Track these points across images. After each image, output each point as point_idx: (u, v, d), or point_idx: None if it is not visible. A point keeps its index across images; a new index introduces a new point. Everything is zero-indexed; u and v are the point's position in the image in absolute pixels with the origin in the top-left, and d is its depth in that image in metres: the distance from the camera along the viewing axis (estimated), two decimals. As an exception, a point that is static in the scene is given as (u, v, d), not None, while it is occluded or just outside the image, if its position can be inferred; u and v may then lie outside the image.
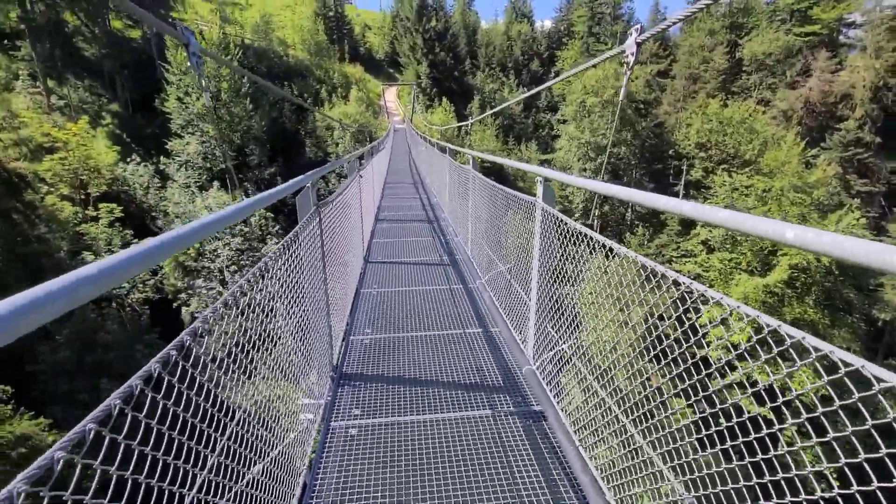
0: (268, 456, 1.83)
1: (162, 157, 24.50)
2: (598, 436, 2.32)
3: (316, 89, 34.35)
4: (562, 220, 2.79)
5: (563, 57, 45.58)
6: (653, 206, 1.79)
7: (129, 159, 22.98)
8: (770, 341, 1.35)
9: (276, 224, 22.89)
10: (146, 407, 0.95)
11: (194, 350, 1.15)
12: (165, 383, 1.02)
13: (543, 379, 3.01)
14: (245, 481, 1.63)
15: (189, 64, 2.48)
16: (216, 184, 24.16)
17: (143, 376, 0.90)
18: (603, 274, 2.34)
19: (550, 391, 2.89)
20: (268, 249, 21.97)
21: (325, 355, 3.00)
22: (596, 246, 2.41)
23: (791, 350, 1.26)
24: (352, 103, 32.84)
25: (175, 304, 19.87)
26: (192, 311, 20.01)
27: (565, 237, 2.76)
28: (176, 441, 1.11)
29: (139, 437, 0.98)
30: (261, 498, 1.67)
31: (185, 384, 1.10)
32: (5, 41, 24.59)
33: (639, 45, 2.49)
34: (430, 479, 2.30)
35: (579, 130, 32.43)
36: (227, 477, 1.48)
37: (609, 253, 2.35)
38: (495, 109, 10.24)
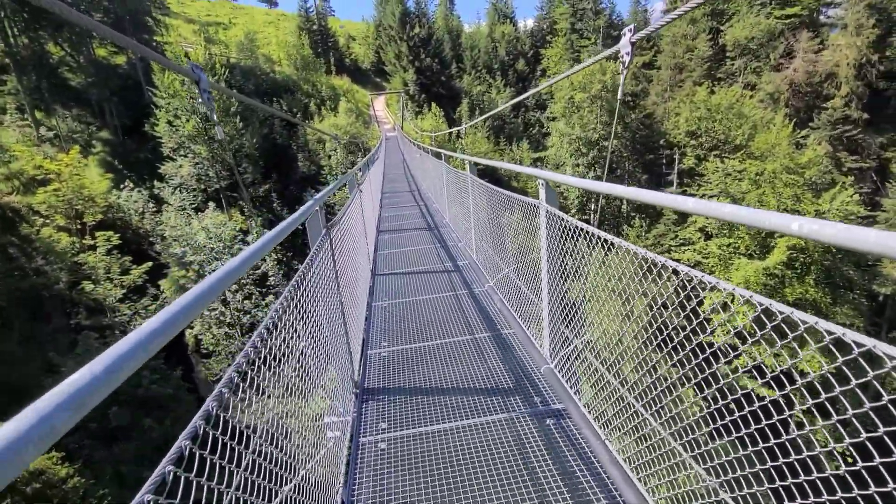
0: (298, 474, 1.85)
1: (155, 182, 24.51)
2: (623, 428, 2.35)
3: (305, 103, 34.45)
4: (566, 220, 2.84)
5: (547, 55, 45.81)
6: (657, 203, 1.83)
7: (122, 186, 22.98)
8: (784, 327, 1.39)
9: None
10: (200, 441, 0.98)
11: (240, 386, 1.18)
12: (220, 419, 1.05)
13: (563, 377, 3.04)
14: (278, 501, 1.65)
15: (200, 100, 2.51)
16: (211, 204, 24.18)
17: (204, 416, 0.93)
18: (606, 268, 2.38)
19: (571, 388, 2.92)
20: (267, 267, 21.97)
21: (347, 372, 3.02)
22: (598, 242, 2.45)
23: (806, 335, 1.30)
24: (341, 115, 32.93)
25: (178, 328, 19.81)
26: (196, 334, 19.98)
27: (570, 236, 2.80)
28: (217, 469, 1.14)
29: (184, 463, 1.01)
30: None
31: (228, 434, 1.13)
32: (-9, 76, 24.60)
33: (633, 44, 2.54)
34: (461, 486, 2.32)
35: (569, 126, 32.58)
36: (261, 496, 1.50)
37: (611, 248, 2.40)
38: (487, 115, 10.30)
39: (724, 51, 37.33)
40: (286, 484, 1.75)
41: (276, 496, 1.64)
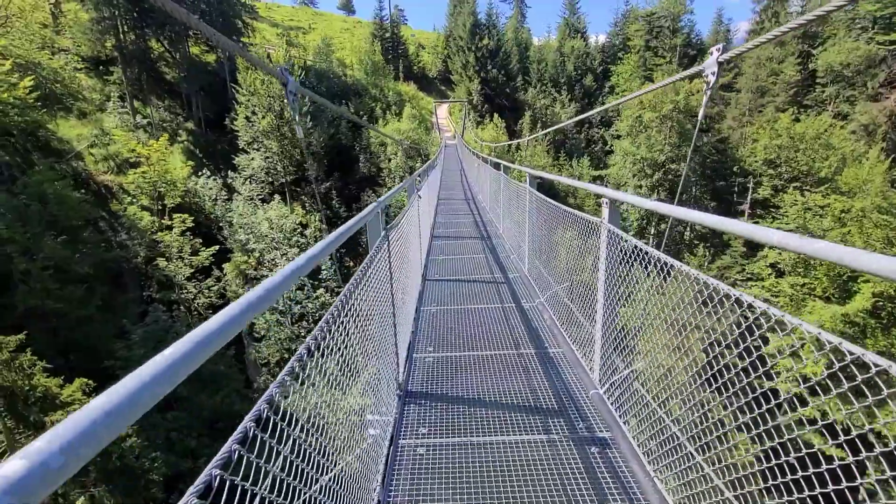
0: (337, 465, 1.89)
1: (229, 172, 26.29)
2: (674, 469, 2.21)
3: (371, 107, 35.68)
4: (629, 242, 2.73)
5: (617, 72, 44.62)
6: (734, 232, 1.71)
7: (200, 173, 24.80)
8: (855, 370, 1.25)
9: (324, 234, 23.78)
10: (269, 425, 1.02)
11: (300, 373, 1.23)
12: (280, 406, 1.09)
13: (612, 404, 2.91)
14: (318, 486, 1.69)
15: (286, 100, 2.68)
16: (277, 197, 25.58)
17: (268, 399, 0.97)
18: (663, 295, 2.26)
19: (620, 417, 2.79)
20: (323, 262, 22.83)
21: (392, 373, 3.06)
22: (661, 266, 2.33)
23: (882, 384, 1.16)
24: (405, 120, 33.77)
25: (235, 310, 20.99)
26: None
27: (630, 259, 2.69)
28: (273, 453, 1.18)
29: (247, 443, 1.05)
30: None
31: (285, 422, 1.17)
32: (101, 67, 27.47)
33: (720, 64, 2.41)
34: (496, 502, 2.27)
35: (635, 146, 31.47)
36: (301, 480, 1.53)
37: (668, 273, 2.27)
38: (550, 129, 10.15)
39: (813, 76, 34.69)
40: (327, 473, 1.79)
41: (317, 482, 1.68)
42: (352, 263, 25.69)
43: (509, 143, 30.75)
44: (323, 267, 22.86)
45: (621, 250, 2.89)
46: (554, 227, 4.51)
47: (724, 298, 1.86)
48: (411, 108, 37.48)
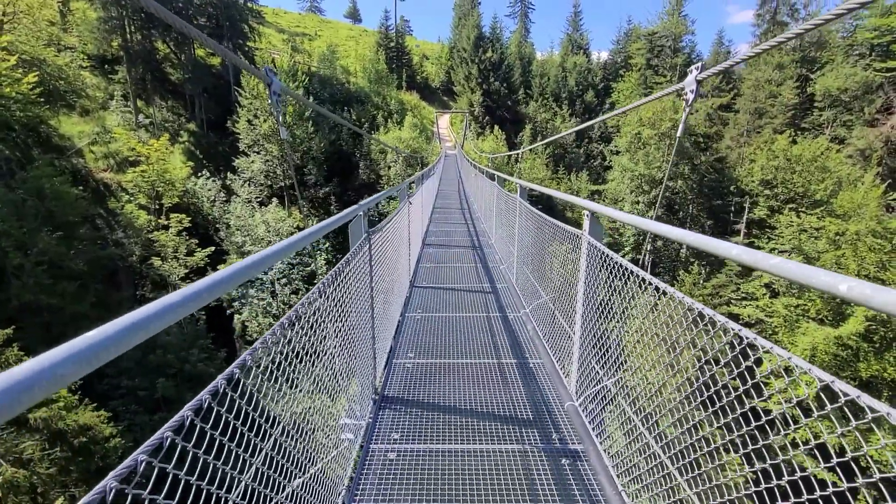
0: (307, 471, 1.88)
1: (229, 174, 26.35)
2: (643, 481, 2.20)
3: (373, 114, 35.92)
4: (608, 256, 2.75)
5: (618, 89, 45.13)
6: (708, 250, 1.73)
7: (199, 174, 24.86)
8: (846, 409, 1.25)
9: (326, 241, 23.82)
10: (211, 416, 1.03)
11: (253, 370, 1.23)
12: (228, 397, 1.10)
13: (586, 417, 2.91)
14: (285, 494, 1.68)
15: (269, 101, 2.71)
16: (275, 200, 25.63)
17: (212, 391, 0.98)
18: (649, 312, 2.28)
19: (593, 430, 2.79)
20: (317, 264, 22.84)
21: (369, 377, 3.06)
22: (642, 284, 2.35)
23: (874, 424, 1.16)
24: (406, 129, 33.99)
25: (228, 312, 20.92)
26: (244, 320, 20.98)
27: (611, 272, 2.71)
28: (225, 447, 1.19)
29: (192, 441, 1.06)
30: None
31: (245, 400, 1.18)
32: (106, 65, 27.66)
33: (699, 82, 2.47)
34: (460, 510, 2.26)
35: (633, 163, 31.71)
36: (269, 487, 1.53)
37: (656, 291, 2.29)
38: (548, 140, 10.25)
39: (811, 100, 35.10)
40: (296, 478, 1.78)
41: (283, 491, 1.67)
42: (347, 269, 25.66)
43: (508, 154, 30.93)
44: (318, 272, 22.84)
45: (601, 263, 2.92)
46: (544, 238, 4.54)
47: (697, 318, 1.88)
48: (413, 116, 37.74)
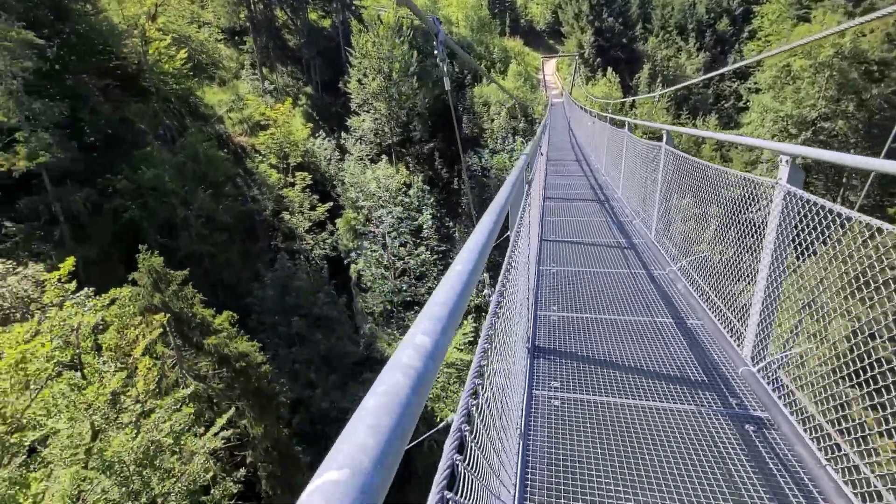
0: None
1: (342, 133, 27.91)
2: (858, 461, 1.95)
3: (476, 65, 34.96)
4: (817, 204, 2.35)
5: (762, 12, 37.90)
6: None
7: (316, 134, 26.68)
8: None
9: (431, 196, 24.45)
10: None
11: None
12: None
13: (769, 384, 2.64)
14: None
15: (436, 51, 2.70)
16: (384, 157, 26.71)
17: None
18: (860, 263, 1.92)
19: (780, 398, 2.53)
20: (424, 218, 23.65)
21: (524, 328, 3.09)
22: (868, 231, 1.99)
23: None
24: (510, 77, 32.64)
25: (346, 262, 22.83)
26: (359, 269, 22.78)
27: (823, 230, 2.32)
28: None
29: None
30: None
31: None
32: (236, 37, 30.31)
33: None
34: (642, 465, 2.22)
35: (778, 101, 27.02)
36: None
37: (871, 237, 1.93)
38: (677, 87, 9.06)
39: None
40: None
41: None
42: (451, 224, 26.26)
43: (623, 100, 28.26)
44: (424, 226, 23.68)
45: (800, 215, 2.52)
46: (697, 191, 4.08)
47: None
48: (517, 64, 36.01)
